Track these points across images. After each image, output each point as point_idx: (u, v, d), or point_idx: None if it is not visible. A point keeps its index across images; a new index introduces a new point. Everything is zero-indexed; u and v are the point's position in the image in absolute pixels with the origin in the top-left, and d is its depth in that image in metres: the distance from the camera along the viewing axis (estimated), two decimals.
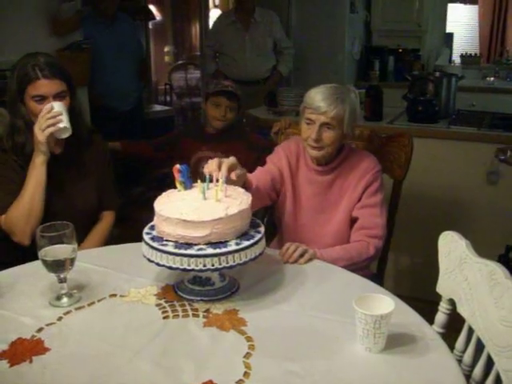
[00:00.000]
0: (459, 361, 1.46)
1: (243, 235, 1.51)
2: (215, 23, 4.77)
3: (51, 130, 1.91)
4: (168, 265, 1.46)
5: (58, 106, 1.93)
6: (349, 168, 2.07)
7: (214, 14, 6.12)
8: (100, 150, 2.24)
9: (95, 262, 1.77)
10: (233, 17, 4.51)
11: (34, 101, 1.95)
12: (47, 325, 1.43)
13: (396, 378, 1.23)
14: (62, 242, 1.50)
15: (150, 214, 1.57)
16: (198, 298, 1.54)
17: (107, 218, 2.26)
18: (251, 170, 2.04)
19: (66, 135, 1.97)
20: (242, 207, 1.49)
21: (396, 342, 1.33)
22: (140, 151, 3.00)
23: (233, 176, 1.65)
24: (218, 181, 1.56)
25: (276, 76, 4.59)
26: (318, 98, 1.96)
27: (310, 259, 1.79)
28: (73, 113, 2.04)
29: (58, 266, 1.50)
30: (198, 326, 1.43)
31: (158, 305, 1.53)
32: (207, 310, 1.49)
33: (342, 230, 2.08)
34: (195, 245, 1.45)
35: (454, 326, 1.56)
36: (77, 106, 2.12)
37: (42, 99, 1.95)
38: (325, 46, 5.14)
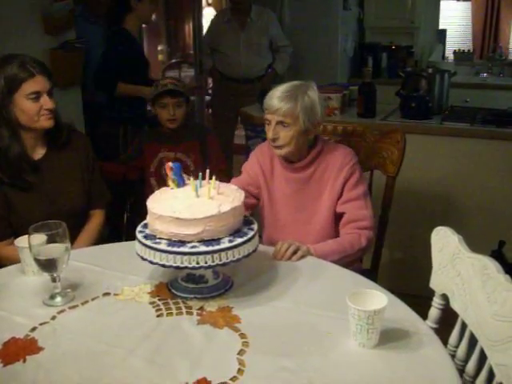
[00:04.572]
0: (453, 355, 1.46)
1: (236, 232, 1.51)
2: (212, 21, 4.76)
3: None
4: (161, 263, 1.46)
5: None
6: (325, 163, 2.07)
7: (208, 13, 6.11)
8: (80, 147, 2.20)
9: (88, 260, 1.77)
10: (228, 15, 4.50)
11: (30, 99, 1.94)
12: (41, 324, 1.44)
13: (389, 373, 1.24)
14: (55, 241, 1.50)
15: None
16: (192, 296, 1.54)
17: (96, 217, 2.26)
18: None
19: None
20: (235, 204, 1.49)
21: (389, 337, 1.33)
22: (112, 172, 2.76)
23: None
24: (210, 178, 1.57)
25: (271, 74, 4.59)
26: (271, 97, 1.98)
27: (303, 256, 1.80)
28: (56, 113, 2.04)
29: (51, 265, 1.50)
30: (192, 324, 1.43)
31: (151, 303, 1.53)
32: (201, 308, 1.50)
33: (326, 227, 2.08)
34: (188, 242, 1.45)
35: (448, 321, 1.57)
36: (57, 104, 2.08)
37: (38, 96, 1.95)
38: (318, 44, 5.14)
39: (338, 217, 2.07)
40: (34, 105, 1.95)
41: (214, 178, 1.55)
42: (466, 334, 1.44)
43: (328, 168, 2.07)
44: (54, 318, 1.47)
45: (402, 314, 1.45)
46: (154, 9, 3.70)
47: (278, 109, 1.95)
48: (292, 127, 1.97)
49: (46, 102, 1.97)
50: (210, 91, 5.40)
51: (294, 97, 1.95)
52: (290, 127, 1.97)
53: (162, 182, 2.67)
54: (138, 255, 1.52)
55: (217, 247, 1.44)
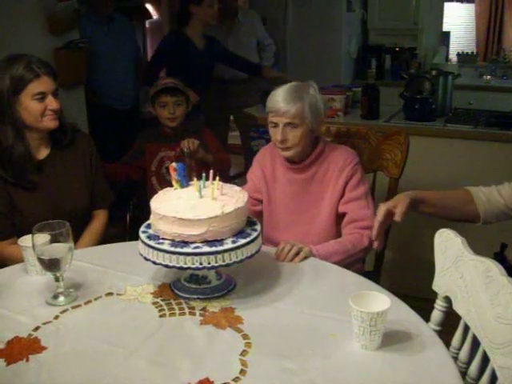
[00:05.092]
0: (455, 358, 1.46)
1: (239, 233, 1.51)
2: None
3: None
4: (164, 263, 1.46)
5: None
6: (326, 163, 2.08)
7: None
8: (85, 147, 2.21)
9: (92, 260, 1.78)
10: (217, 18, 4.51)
11: (35, 99, 1.95)
12: (44, 323, 1.44)
13: (392, 375, 1.24)
14: (59, 241, 1.51)
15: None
16: (195, 297, 1.54)
17: (100, 217, 2.26)
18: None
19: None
20: (238, 205, 1.49)
21: (392, 339, 1.33)
22: (115, 172, 2.78)
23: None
24: (214, 179, 1.57)
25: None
26: (276, 99, 1.99)
27: (306, 257, 1.80)
28: (61, 114, 2.05)
29: (54, 265, 1.51)
30: (195, 324, 1.43)
31: (154, 303, 1.54)
32: (204, 308, 1.50)
33: (327, 228, 2.09)
34: (191, 243, 1.45)
35: (451, 323, 1.57)
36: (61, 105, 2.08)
37: (43, 97, 1.96)
38: (322, 45, 5.14)
39: (339, 217, 2.08)
40: (38, 105, 1.96)
41: (217, 178, 1.56)
42: (469, 337, 1.44)
43: (330, 168, 2.07)
44: (56, 317, 1.47)
45: (404, 316, 1.45)
46: (213, 11, 3.78)
47: (286, 111, 1.96)
48: (300, 127, 1.99)
49: (51, 102, 1.98)
50: None
51: (299, 97, 1.97)
52: (298, 128, 1.99)
53: (163, 182, 2.69)
54: (141, 255, 1.52)
55: (220, 248, 1.44)
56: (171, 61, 3.81)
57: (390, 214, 1.67)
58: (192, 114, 3.46)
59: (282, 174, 2.14)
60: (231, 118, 4.71)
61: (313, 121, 2.00)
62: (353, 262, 1.95)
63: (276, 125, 2.01)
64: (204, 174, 1.58)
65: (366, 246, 1.99)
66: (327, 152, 2.10)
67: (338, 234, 2.07)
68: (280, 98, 1.98)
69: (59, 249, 1.50)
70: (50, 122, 2.00)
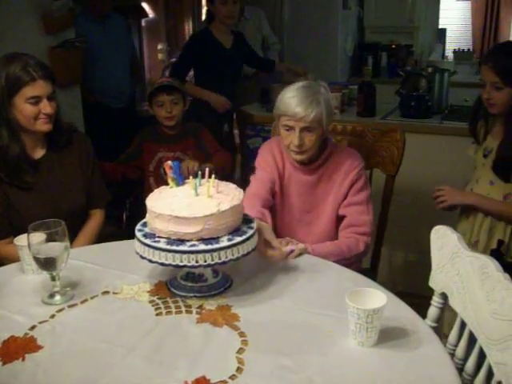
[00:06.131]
0: (452, 354, 1.46)
1: (235, 231, 1.51)
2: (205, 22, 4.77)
3: None
4: (160, 261, 1.46)
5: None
6: (333, 166, 2.06)
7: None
8: (82, 147, 2.21)
9: (88, 259, 1.77)
10: None
11: (29, 103, 1.95)
12: (40, 322, 1.44)
13: (388, 372, 1.23)
14: (54, 240, 1.50)
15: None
16: (191, 295, 1.54)
17: (96, 217, 2.26)
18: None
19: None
20: (234, 203, 1.49)
21: (389, 336, 1.33)
22: (111, 172, 2.79)
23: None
24: (210, 177, 1.57)
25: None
26: (292, 103, 1.92)
27: (301, 254, 1.80)
28: (57, 114, 2.05)
29: (50, 264, 1.50)
30: (191, 323, 1.43)
31: (150, 301, 1.53)
32: (200, 306, 1.49)
33: (328, 229, 2.08)
34: (187, 241, 1.45)
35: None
36: (58, 106, 2.08)
37: (37, 101, 1.95)
38: (318, 43, 5.13)
39: (339, 219, 2.07)
40: (32, 108, 1.95)
41: (213, 176, 1.55)
42: (465, 333, 1.44)
43: (335, 172, 2.06)
44: (53, 316, 1.47)
45: (401, 312, 1.45)
46: (227, 10, 3.65)
47: (304, 116, 1.91)
48: (316, 131, 1.96)
49: (45, 106, 1.97)
50: None
51: (317, 101, 1.92)
52: (314, 131, 1.96)
53: (161, 182, 2.68)
54: (138, 254, 1.52)
55: (216, 246, 1.44)
56: (198, 60, 3.73)
57: None
58: (218, 121, 3.53)
59: (290, 173, 2.12)
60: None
61: (328, 122, 1.97)
62: (348, 264, 1.94)
63: (291, 128, 1.96)
64: (200, 172, 1.57)
65: (362, 252, 1.98)
66: (334, 155, 2.08)
67: (337, 237, 2.06)
68: (295, 102, 1.92)
69: (55, 248, 1.50)
70: (42, 126, 2.00)
